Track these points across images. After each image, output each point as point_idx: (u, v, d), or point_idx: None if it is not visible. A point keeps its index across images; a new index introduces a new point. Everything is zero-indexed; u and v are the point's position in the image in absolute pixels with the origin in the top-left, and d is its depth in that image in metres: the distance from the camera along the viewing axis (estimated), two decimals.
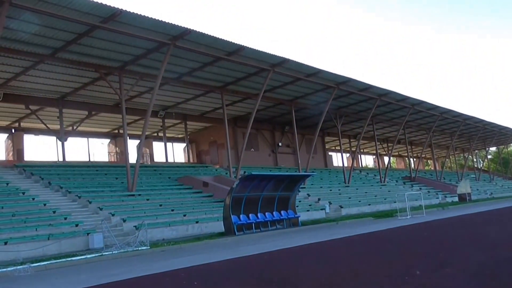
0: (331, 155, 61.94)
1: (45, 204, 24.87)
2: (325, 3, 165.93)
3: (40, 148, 55.88)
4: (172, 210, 28.01)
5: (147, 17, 23.89)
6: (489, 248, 12.34)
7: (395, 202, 37.23)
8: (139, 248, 19.44)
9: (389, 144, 64.91)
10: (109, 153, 44.75)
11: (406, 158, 73.91)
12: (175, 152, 48.01)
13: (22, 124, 38.02)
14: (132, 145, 41.09)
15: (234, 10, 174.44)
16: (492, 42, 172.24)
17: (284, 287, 9.10)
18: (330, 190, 44.04)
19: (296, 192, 29.17)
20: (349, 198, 42.25)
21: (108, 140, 45.11)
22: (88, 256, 17.85)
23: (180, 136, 48.49)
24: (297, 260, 13.55)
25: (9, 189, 26.46)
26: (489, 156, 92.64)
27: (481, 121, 62.20)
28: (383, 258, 12.17)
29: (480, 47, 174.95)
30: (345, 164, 51.47)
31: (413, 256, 12.13)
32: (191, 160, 47.35)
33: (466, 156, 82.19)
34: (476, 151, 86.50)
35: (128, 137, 32.03)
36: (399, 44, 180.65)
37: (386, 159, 65.87)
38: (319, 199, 38.67)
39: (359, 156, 69.08)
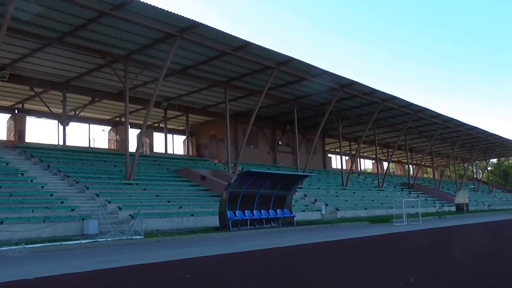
0: (330, 157, 61.97)
1: (43, 187, 24.98)
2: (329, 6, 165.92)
3: (41, 130, 56.25)
4: (168, 202, 28.08)
5: (157, 7, 23.92)
6: (485, 259, 12.37)
7: (391, 208, 37.16)
8: (133, 237, 19.48)
9: (389, 150, 64.94)
10: (109, 140, 44.77)
11: (406, 165, 73.88)
12: (175, 144, 48.11)
13: (25, 105, 38.03)
14: (133, 134, 41.09)
15: (241, 9, 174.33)
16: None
17: (277, 285, 9.12)
18: (327, 191, 44.09)
19: (293, 191, 29.19)
20: (346, 201, 42.30)
21: (109, 127, 45.13)
22: (83, 241, 17.91)
23: (181, 128, 48.51)
24: (291, 260, 13.58)
25: (9, 169, 26.58)
26: (489, 168, 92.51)
27: (483, 132, 62.16)
28: (378, 263, 12.19)
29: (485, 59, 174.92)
30: (344, 167, 51.54)
31: (408, 263, 12.15)
32: (191, 153, 47.38)
33: (466, 166, 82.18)
34: (476, 161, 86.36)
35: (129, 126, 32.13)
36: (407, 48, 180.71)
37: (385, 164, 65.91)
38: (315, 200, 38.71)
39: (358, 159, 69.10)
